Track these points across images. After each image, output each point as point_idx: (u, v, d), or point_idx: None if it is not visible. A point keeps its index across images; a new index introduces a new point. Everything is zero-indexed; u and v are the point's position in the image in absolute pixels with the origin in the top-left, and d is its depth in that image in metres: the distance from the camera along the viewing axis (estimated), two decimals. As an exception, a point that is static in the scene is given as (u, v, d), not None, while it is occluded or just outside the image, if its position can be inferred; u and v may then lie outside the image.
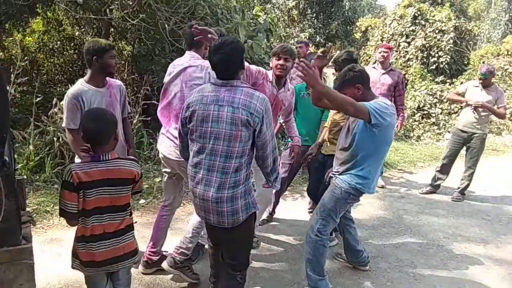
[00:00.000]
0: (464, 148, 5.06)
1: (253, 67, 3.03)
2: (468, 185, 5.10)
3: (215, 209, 2.12)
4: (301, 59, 2.28)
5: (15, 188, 1.64)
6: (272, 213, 4.15)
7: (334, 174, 2.82)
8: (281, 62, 3.02)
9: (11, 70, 4.76)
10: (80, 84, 2.72)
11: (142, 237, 3.57)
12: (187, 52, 2.89)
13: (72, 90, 2.69)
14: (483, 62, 7.67)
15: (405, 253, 3.62)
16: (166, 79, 2.90)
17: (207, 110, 2.09)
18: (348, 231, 3.18)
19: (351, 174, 2.67)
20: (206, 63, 2.57)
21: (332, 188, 2.76)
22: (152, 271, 3.02)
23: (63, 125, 2.77)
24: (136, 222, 3.88)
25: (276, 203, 4.11)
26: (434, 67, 11.61)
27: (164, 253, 3.09)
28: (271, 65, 3.16)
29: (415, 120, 9.63)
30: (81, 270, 2.04)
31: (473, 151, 4.95)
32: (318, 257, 2.79)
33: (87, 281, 2.13)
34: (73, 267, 2.07)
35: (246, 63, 3.00)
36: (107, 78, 2.82)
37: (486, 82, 4.77)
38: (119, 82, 3.01)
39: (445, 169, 5.20)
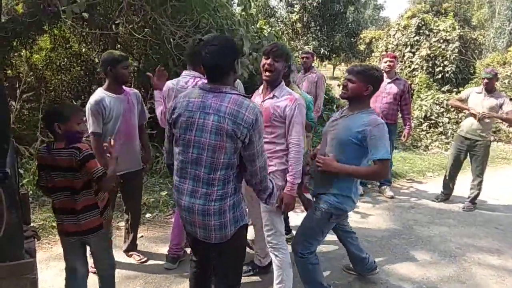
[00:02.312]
0: (469, 156, 4.97)
1: None
2: (478, 194, 4.99)
3: (202, 222, 1.97)
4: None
5: (17, 201, 1.61)
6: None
7: (314, 193, 2.72)
8: (269, 61, 2.53)
9: (17, 86, 4.79)
10: (101, 92, 2.97)
11: (148, 252, 3.54)
12: (186, 72, 2.98)
13: (93, 97, 2.92)
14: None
15: (416, 264, 3.53)
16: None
17: (192, 117, 1.93)
18: (350, 243, 3.08)
19: (331, 194, 2.57)
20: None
21: (312, 209, 2.66)
22: (177, 265, 3.31)
23: (90, 130, 2.91)
24: (142, 236, 3.85)
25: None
26: (440, 76, 11.53)
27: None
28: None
29: (422, 130, 9.53)
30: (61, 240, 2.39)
31: (478, 159, 4.85)
32: (311, 275, 2.70)
33: (64, 251, 2.40)
34: None
35: None
36: (123, 87, 3.07)
37: (491, 84, 4.68)
38: (135, 90, 3.27)
39: (451, 176, 5.13)
